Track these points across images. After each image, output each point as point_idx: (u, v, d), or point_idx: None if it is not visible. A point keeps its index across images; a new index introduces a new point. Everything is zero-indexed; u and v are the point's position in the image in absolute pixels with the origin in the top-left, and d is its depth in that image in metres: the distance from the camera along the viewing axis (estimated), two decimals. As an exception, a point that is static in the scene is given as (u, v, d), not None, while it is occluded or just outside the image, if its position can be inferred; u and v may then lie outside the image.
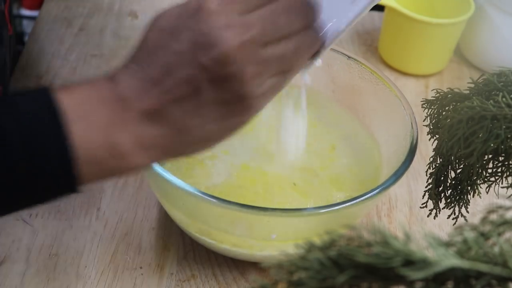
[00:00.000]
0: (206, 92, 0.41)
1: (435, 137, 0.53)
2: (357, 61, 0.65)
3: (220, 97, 0.42)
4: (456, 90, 0.52)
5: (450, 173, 0.53)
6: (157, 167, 0.50)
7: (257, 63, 0.42)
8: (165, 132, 0.42)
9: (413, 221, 0.67)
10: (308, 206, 0.57)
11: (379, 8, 0.90)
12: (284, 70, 0.44)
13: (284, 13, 0.43)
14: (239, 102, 0.42)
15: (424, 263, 0.30)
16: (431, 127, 0.54)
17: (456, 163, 0.51)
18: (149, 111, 0.41)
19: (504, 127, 0.46)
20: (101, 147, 0.40)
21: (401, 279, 0.31)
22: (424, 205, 0.56)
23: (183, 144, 0.43)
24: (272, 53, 0.43)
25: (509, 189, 0.48)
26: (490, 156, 0.48)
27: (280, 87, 0.46)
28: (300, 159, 0.61)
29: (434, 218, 0.56)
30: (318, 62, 0.50)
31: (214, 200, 0.49)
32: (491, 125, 0.46)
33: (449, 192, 0.53)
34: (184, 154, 0.45)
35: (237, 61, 0.41)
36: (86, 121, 0.40)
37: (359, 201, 0.51)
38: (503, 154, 0.48)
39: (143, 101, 0.41)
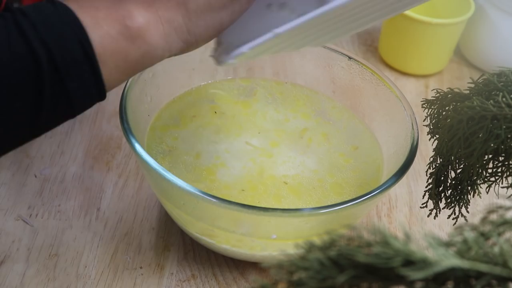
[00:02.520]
0: None
1: (435, 137, 0.53)
2: (358, 61, 0.66)
3: None
4: (456, 90, 0.52)
5: (450, 173, 0.53)
6: (157, 167, 0.50)
7: None
8: (168, 8, 0.42)
9: (413, 221, 0.67)
10: (307, 206, 0.57)
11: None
12: None
13: None
14: None
15: (424, 263, 0.30)
16: (431, 127, 0.54)
17: (456, 163, 0.51)
18: None
19: (504, 127, 0.46)
20: (113, 26, 0.41)
21: (401, 279, 0.31)
22: (424, 205, 0.56)
23: (190, 19, 0.43)
24: None
25: (509, 189, 0.48)
26: (490, 156, 0.48)
27: None
28: (300, 160, 0.61)
29: (434, 218, 0.56)
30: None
31: (215, 200, 0.49)
32: (491, 125, 0.46)
33: (449, 192, 0.53)
34: (196, 36, 0.44)
35: None
36: (93, 8, 0.41)
37: (359, 202, 0.51)
38: (503, 154, 0.48)
39: None
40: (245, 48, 0.45)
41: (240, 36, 0.46)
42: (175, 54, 0.45)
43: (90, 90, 0.41)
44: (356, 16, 0.46)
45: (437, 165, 0.53)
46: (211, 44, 0.48)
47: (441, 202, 0.55)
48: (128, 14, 0.41)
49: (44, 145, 0.69)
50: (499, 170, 0.49)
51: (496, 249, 0.31)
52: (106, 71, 0.41)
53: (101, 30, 0.40)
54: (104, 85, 0.42)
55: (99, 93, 0.42)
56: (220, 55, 0.47)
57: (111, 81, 0.42)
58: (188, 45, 0.45)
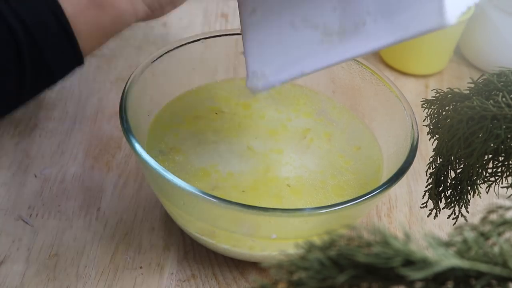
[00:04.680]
0: None
1: (435, 137, 0.53)
2: (357, 61, 0.66)
3: None
4: (456, 90, 0.52)
5: (450, 173, 0.53)
6: (157, 167, 0.50)
7: None
8: None
9: (413, 221, 0.67)
10: (308, 206, 0.57)
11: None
12: None
13: None
14: None
15: (424, 263, 0.30)
16: (431, 127, 0.54)
17: (456, 163, 0.51)
18: None
19: (504, 127, 0.46)
20: None
21: (401, 279, 0.31)
22: (424, 205, 0.56)
23: None
24: None
25: (509, 189, 0.48)
26: (490, 156, 0.48)
27: None
28: (301, 160, 0.61)
29: (434, 218, 0.56)
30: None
31: (215, 200, 0.49)
32: (491, 125, 0.46)
33: (449, 192, 0.54)
34: (161, 1, 0.47)
35: None
36: None
37: (359, 201, 0.51)
38: (503, 154, 0.48)
39: None
40: (282, 81, 0.45)
41: (277, 67, 0.45)
42: (142, 19, 0.49)
43: (68, 58, 0.44)
44: None
45: (437, 165, 0.53)
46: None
47: (441, 202, 0.55)
48: None
49: (44, 145, 0.69)
50: (499, 170, 0.49)
51: (496, 249, 0.31)
52: (81, 38, 0.44)
53: (73, 0, 0.43)
54: (81, 52, 0.44)
55: (77, 60, 0.45)
56: (255, 86, 0.47)
57: (87, 47, 0.45)
58: (153, 10, 0.48)
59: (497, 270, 0.30)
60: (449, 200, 0.54)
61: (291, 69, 0.45)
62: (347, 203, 0.50)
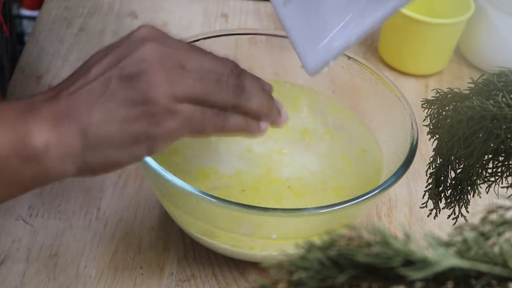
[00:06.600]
0: (114, 88, 0.42)
1: (435, 137, 0.53)
2: (357, 61, 0.65)
3: (128, 95, 0.42)
4: (456, 90, 0.52)
5: (450, 173, 0.53)
6: (157, 167, 0.50)
7: (170, 72, 0.43)
8: (70, 132, 0.42)
9: (413, 221, 0.67)
10: (308, 206, 0.57)
11: (379, 8, 0.90)
12: (195, 119, 0.45)
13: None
14: (145, 106, 0.43)
15: (424, 263, 0.30)
16: (431, 127, 0.54)
17: (456, 163, 0.51)
18: (58, 111, 0.42)
19: (504, 127, 0.46)
20: (11, 145, 0.40)
21: (401, 279, 0.31)
22: (424, 205, 0.56)
23: (88, 149, 0.43)
24: (189, 74, 0.44)
25: (509, 189, 0.48)
26: (490, 156, 0.48)
27: (184, 131, 0.45)
28: (301, 160, 0.61)
29: (434, 218, 0.56)
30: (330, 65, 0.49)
31: (215, 200, 0.49)
32: (491, 125, 0.46)
33: (449, 192, 0.53)
34: (92, 167, 0.44)
35: (150, 61, 0.43)
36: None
37: (359, 201, 0.51)
38: (503, 154, 0.48)
39: (51, 103, 0.42)
40: (335, 55, 0.46)
41: (325, 45, 0.46)
42: (71, 177, 0.45)
43: None
44: None
45: (437, 165, 0.53)
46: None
47: (441, 202, 0.55)
48: (28, 133, 0.41)
49: (44, 145, 0.69)
50: (499, 170, 0.49)
51: (496, 249, 0.31)
52: None
53: None
54: None
55: None
56: (312, 68, 0.48)
57: (3, 196, 0.42)
58: (83, 173, 0.44)
59: (497, 270, 0.30)
60: (449, 200, 0.54)
61: (338, 41, 0.46)
62: (347, 203, 0.50)
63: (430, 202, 0.55)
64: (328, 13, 0.47)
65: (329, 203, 0.51)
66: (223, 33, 0.66)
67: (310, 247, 0.33)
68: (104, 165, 0.44)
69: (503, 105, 0.46)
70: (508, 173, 0.49)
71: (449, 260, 0.30)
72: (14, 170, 0.41)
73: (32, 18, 1.25)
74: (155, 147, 0.45)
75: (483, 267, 0.30)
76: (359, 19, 0.46)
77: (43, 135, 0.41)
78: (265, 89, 0.51)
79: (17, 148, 0.40)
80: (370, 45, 0.92)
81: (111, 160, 0.44)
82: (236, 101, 0.47)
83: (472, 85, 0.51)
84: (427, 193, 0.55)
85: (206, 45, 0.65)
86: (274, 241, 0.54)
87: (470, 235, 0.32)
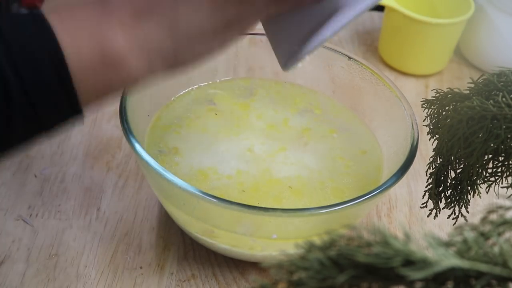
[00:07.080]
0: None
1: (435, 137, 0.53)
2: (357, 61, 0.66)
3: None
4: (456, 90, 0.52)
5: (450, 173, 0.53)
6: (157, 167, 0.50)
7: None
8: (157, 30, 0.39)
9: (413, 221, 0.67)
10: (308, 207, 0.57)
11: (379, 8, 0.90)
12: None
13: None
14: None
15: (424, 263, 0.30)
16: (431, 127, 0.54)
17: (456, 163, 0.51)
18: (136, 9, 0.39)
19: (504, 127, 0.46)
20: (93, 52, 0.38)
21: (401, 279, 0.31)
22: (424, 205, 0.56)
23: (179, 44, 0.40)
24: None
25: (509, 189, 0.48)
26: (490, 156, 0.48)
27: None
28: (300, 160, 0.61)
29: (434, 218, 0.56)
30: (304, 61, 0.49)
31: (215, 200, 0.49)
32: (491, 125, 0.46)
33: (449, 192, 0.54)
34: (184, 62, 0.42)
35: None
36: (73, 27, 0.38)
37: (360, 201, 0.51)
38: (503, 154, 0.48)
39: (124, 3, 0.39)
40: (308, 53, 0.45)
41: (301, 42, 0.45)
42: (160, 78, 0.43)
43: (65, 117, 0.39)
44: None
45: (437, 165, 0.53)
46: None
47: (441, 202, 0.55)
48: (111, 37, 0.38)
49: (44, 145, 0.69)
50: (499, 170, 0.49)
51: (496, 249, 0.31)
52: (84, 97, 0.39)
53: (80, 56, 0.38)
54: (81, 112, 0.39)
55: (77, 119, 0.40)
56: (285, 64, 0.47)
57: (88, 104, 0.40)
58: (173, 71, 0.42)
59: (497, 270, 0.30)
60: (449, 200, 0.54)
61: (313, 41, 0.46)
62: (348, 203, 0.50)
63: (430, 202, 0.55)
64: (303, 9, 0.46)
65: (329, 203, 0.51)
66: (223, 33, 0.66)
67: (310, 247, 0.33)
68: (197, 58, 0.42)
69: (503, 105, 0.46)
70: (508, 173, 0.49)
71: (449, 260, 0.30)
72: (101, 78, 0.39)
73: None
74: (246, 27, 0.42)
75: (483, 267, 0.30)
76: (336, 14, 0.46)
77: (127, 36, 0.39)
78: None
79: (101, 56, 0.38)
80: (370, 45, 0.92)
81: (203, 52, 0.42)
82: None
83: (472, 85, 0.51)
84: (427, 193, 0.55)
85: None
86: (274, 241, 0.54)
87: (470, 235, 0.32)
